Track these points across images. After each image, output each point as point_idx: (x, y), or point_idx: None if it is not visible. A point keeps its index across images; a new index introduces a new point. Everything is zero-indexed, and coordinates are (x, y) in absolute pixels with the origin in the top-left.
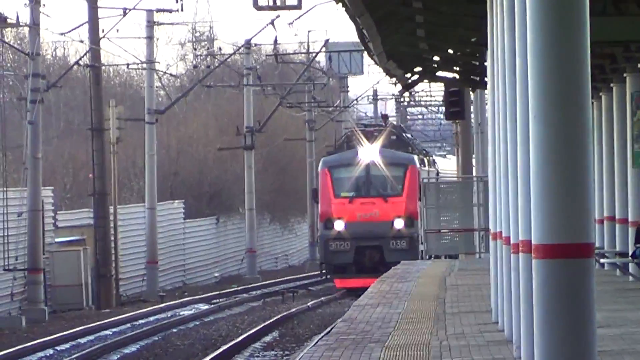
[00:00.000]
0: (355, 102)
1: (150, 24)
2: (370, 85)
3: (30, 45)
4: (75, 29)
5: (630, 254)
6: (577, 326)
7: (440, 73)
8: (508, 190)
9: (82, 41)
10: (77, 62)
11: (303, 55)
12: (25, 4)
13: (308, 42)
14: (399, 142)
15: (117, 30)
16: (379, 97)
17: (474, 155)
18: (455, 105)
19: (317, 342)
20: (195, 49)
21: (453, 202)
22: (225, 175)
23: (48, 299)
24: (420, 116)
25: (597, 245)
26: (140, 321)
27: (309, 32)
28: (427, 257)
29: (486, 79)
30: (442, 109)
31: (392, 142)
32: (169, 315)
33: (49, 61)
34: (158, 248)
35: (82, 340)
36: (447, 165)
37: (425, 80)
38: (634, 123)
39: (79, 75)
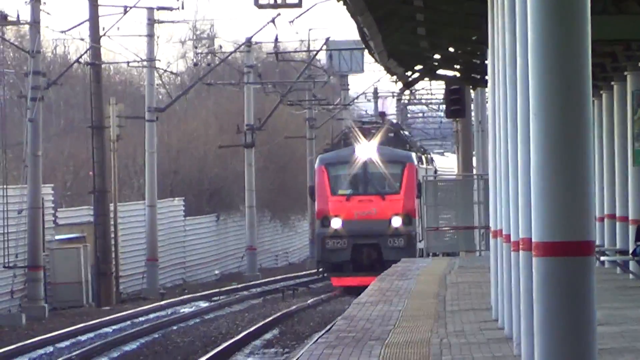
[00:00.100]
0: (355, 100)
1: (151, 22)
2: (371, 83)
3: (31, 43)
4: (75, 26)
5: (630, 251)
6: (577, 324)
7: (440, 71)
8: (508, 188)
9: (82, 39)
10: (77, 60)
11: (304, 53)
12: (26, 2)
13: (309, 40)
14: (397, 139)
15: (118, 28)
16: (379, 95)
17: (474, 153)
18: (456, 104)
19: (317, 339)
20: (196, 47)
21: (453, 200)
22: (225, 173)
23: (48, 296)
24: (420, 114)
25: (597, 243)
26: (140, 319)
27: (309, 30)
28: (427, 255)
29: (487, 77)
30: (443, 107)
31: (389, 140)
32: (169, 313)
33: (49, 59)
34: (158, 245)
35: (82, 338)
36: (445, 163)
37: (426, 79)
38: (635, 121)
39: (80, 73)
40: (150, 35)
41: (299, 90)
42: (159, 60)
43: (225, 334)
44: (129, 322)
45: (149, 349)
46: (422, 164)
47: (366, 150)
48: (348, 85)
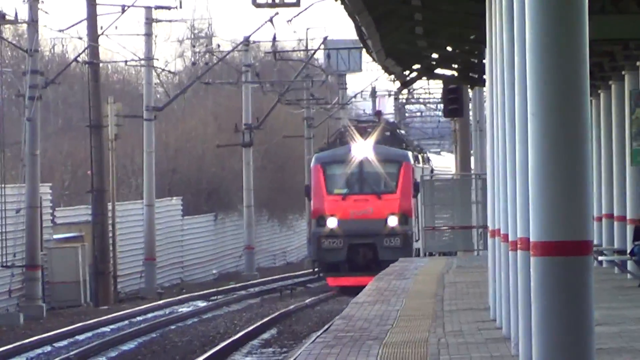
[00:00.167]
0: (353, 98)
1: (149, 21)
2: (369, 82)
3: (29, 42)
4: (73, 25)
5: (628, 251)
6: (575, 324)
7: (439, 70)
8: (507, 187)
9: (80, 38)
10: (75, 59)
11: (301, 52)
12: (24, 1)
13: (307, 39)
14: (393, 138)
15: (116, 27)
16: (377, 94)
17: (472, 152)
18: (454, 103)
19: (315, 339)
20: (194, 46)
21: (451, 200)
22: (223, 172)
23: (46, 295)
24: (418, 113)
25: (595, 242)
26: (138, 318)
27: (307, 29)
28: (425, 254)
29: (485, 77)
30: (441, 106)
31: (386, 138)
32: (167, 312)
33: (47, 58)
34: (156, 245)
35: (80, 337)
36: (442, 162)
37: (424, 78)
38: (633, 121)
39: (78, 72)
40: (148, 34)
41: (297, 90)
42: (157, 60)
43: (223, 334)
44: (126, 322)
45: (146, 349)
46: (419, 163)
47: (362, 149)
48: (346, 84)
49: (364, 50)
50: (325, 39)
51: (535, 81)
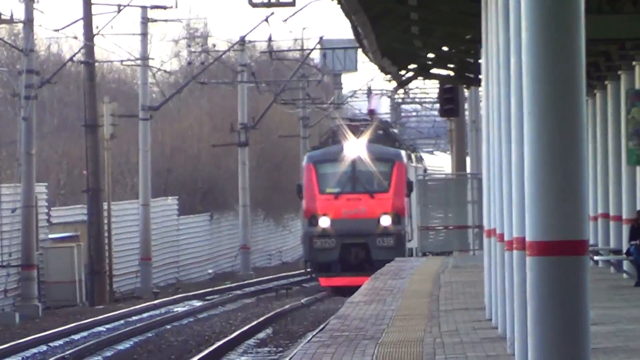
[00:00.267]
0: (349, 98)
1: (145, 21)
2: (365, 82)
3: (25, 41)
4: (69, 25)
5: (624, 251)
6: (570, 323)
7: (434, 70)
8: (502, 187)
9: (76, 37)
10: (71, 59)
11: (297, 52)
12: (20, 0)
13: (302, 39)
14: (386, 137)
15: (112, 27)
16: (373, 93)
17: (468, 152)
18: (450, 103)
19: (310, 339)
20: (190, 46)
21: (447, 199)
22: (219, 171)
23: (42, 295)
24: (414, 113)
25: (591, 242)
26: (134, 318)
27: (303, 29)
28: (420, 254)
29: (481, 77)
30: (437, 106)
31: (378, 137)
32: (162, 312)
33: (43, 57)
34: (152, 244)
35: (76, 337)
36: (435, 161)
37: (420, 78)
38: (629, 121)
39: (73, 71)
40: (144, 34)
41: (293, 89)
42: (153, 59)
43: (219, 333)
44: (122, 321)
45: (142, 348)
46: (412, 162)
47: (355, 147)
48: (341, 84)
49: (359, 49)
50: (321, 38)
51: (531, 81)
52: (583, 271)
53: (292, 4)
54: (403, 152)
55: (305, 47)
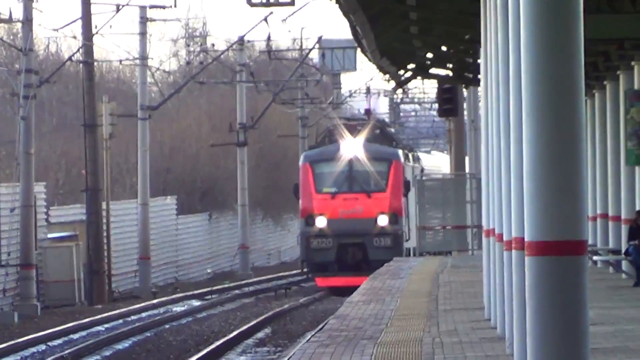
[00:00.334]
0: (348, 97)
1: (144, 20)
2: (364, 82)
3: (23, 40)
4: (68, 24)
5: (623, 251)
6: (570, 323)
7: (433, 70)
8: (501, 187)
9: (75, 37)
10: (70, 58)
11: (296, 51)
12: (19, 0)
13: (301, 38)
14: (383, 136)
15: (110, 26)
16: (371, 92)
17: (467, 152)
18: (449, 102)
19: (309, 338)
20: (189, 45)
21: (446, 199)
22: (218, 171)
23: (40, 294)
24: (413, 113)
25: (590, 242)
26: (133, 317)
27: (302, 28)
28: (420, 254)
29: (479, 76)
30: (435, 105)
31: (375, 136)
32: (161, 312)
33: (42, 57)
34: (150, 244)
35: (75, 336)
36: (432, 161)
37: (419, 77)
38: (627, 121)
39: (72, 71)
40: (143, 34)
41: (292, 89)
42: (152, 59)
43: (218, 333)
44: (121, 321)
45: (141, 348)
46: (409, 161)
47: (352, 147)
48: (340, 83)
49: (358, 49)
50: (319, 38)
51: (530, 81)
52: (582, 271)
53: (291, 4)
54: (400, 152)
55: (304, 47)
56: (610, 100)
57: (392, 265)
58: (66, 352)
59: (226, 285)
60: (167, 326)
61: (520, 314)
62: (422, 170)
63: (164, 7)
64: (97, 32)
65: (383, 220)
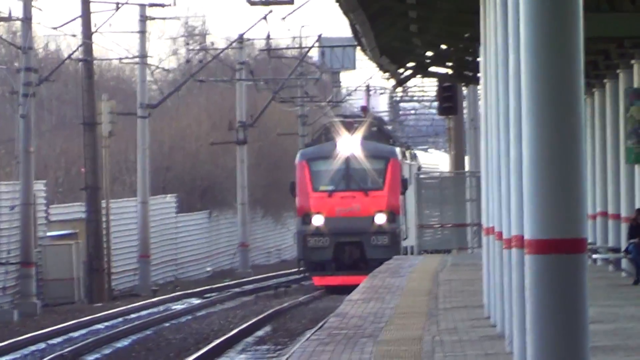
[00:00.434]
0: (348, 96)
1: (143, 19)
2: (363, 80)
3: (23, 39)
4: (67, 23)
5: (623, 249)
6: (569, 322)
7: (433, 68)
8: (501, 185)
9: (74, 35)
10: (69, 57)
11: (296, 50)
12: None
13: (301, 37)
14: (380, 134)
15: (110, 25)
16: (370, 90)
17: (466, 149)
18: (448, 101)
19: (309, 336)
20: (188, 44)
21: (445, 197)
22: (217, 169)
23: (40, 292)
24: (413, 111)
25: (589, 240)
26: (133, 315)
27: (301, 27)
28: (419, 252)
29: (479, 75)
30: (435, 104)
31: (372, 134)
32: (161, 310)
33: (41, 55)
34: (150, 242)
35: (74, 334)
36: (429, 159)
37: (419, 76)
38: (627, 119)
39: (72, 69)
40: (142, 32)
41: (291, 87)
42: (151, 57)
43: (218, 331)
44: (121, 319)
45: (141, 346)
46: (406, 159)
47: (349, 144)
48: (340, 82)
49: (358, 47)
50: (319, 36)
51: (530, 79)
52: (582, 269)
53: (291, 2)
54: (398, 149)
55: (303, 45)
56: (610, 99)
57: (392, 264)
58: (66, 350)
59: (226, 284)
60: (166, 324)
61: (520, 312)
62: (419, 168)
63: (163, 6)
64: (96, 31)
65: (380, 219)
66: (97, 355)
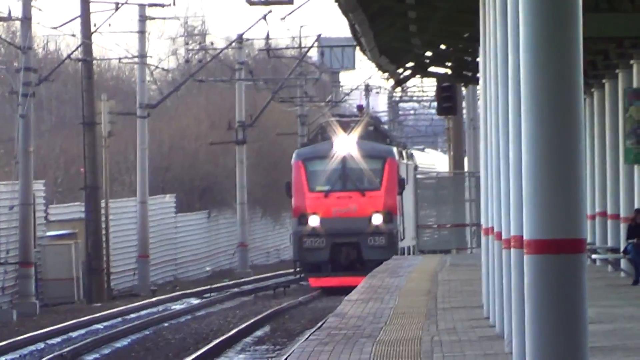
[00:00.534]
0: (348, 96)
1: (143, 18)
2: (363, 80)
3: (22, 39)
4: (67, 23)
5: (622, 249)
6: (568, 322)
7: (432, 68)
8: (500, 185)
9: (74, 35)
10: (69, 56)
11: (295, 50)
12: None
13: (300, 37)
14: (377, 133)
15: (109, 25)
16: (369, 90)
17: (465, 150)
18: (448, 101)
19: (308, 336)
20: (187, 44)
21: (444, 198)
22: (216, 169)
23: (39, 292)
24: (412, 111)
25: (588, 241)
26: (132, 315)
27: (301, 27)
28: (419, 252)
29: (478, 75)
30: (434, 104)
31: (369, 134)
32: (160, 310)
33: (40, 55)
34: (149, 242)
35: (73, 334)
36: (426, 159)
37: (418, 76)
38: (626, 119)
39: (71, 69)
40: (142, 32)
41: (291, 87)
42: (150, 57)
43: (217, 331)
44: (120, 319)
45: (140, 346)
46: (403, 159)
47: (345, 144)
48: (339, 82)
49: (357, 47)
50: (318, 36)
51: (529, 79)
52: (581, 270)
53: (290, 2)
54: (395, 149)
55: (303, 45)
56: (609, 99)
57: (391, 264)
58: (65, 350)
59: (225, 284)
60: (166, 324)
61: (519, 312)
62: (416, 167)
63: (163, 6)
64: (96, 31)
65: (377, 219)
66: (96, 355)
